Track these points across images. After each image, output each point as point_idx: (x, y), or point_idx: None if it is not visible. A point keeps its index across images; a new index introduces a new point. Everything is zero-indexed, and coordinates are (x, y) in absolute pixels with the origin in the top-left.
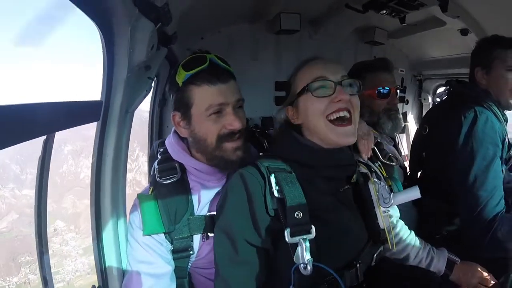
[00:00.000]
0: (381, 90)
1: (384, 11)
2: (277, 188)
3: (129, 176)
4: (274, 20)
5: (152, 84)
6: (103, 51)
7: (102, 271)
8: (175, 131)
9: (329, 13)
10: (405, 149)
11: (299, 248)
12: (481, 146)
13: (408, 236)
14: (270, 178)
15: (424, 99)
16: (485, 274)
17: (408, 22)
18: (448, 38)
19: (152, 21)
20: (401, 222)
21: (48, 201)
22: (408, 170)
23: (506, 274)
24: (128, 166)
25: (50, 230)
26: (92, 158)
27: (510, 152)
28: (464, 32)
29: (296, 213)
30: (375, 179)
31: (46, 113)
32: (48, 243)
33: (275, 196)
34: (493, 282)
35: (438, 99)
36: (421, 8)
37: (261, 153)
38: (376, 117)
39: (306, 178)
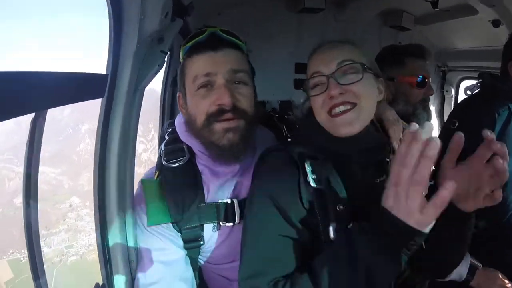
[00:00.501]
0: (421, 79)
1: None
2: (313, 176)
3: (144, 156)
4: None
5: (165, 59)
6: (109, 17)
7: (107, 267)
8: None
9: None
10: None
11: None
12: None
13: None
14: (305, 166)
15: (447, 91)
16: (506, 282)
17: (440, 7)
18: (477, 28)
19: None
20: None
21: (65, 178)
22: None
23: None
24: (144, 146)
25: (66, 206)
26: (96, 141)
27: None
28: (496, 23)
29: (339, 206)
30: None
31: (36, 86)
32: (64, 219)
33: (311, 186)
34: None
35: (468, 92)
36: None
37: (289, 139)
38: (412, 108)
39: (339, 168)
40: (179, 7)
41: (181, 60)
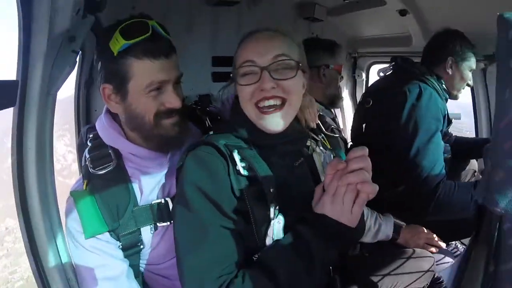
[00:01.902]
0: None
1: None
2: (243, 165)
3: (74, 166)
4: None
5: (77, 59)
6: (18, 17)
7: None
8: (106, 112)
9: None
10: (340, 123)
11: (276, 225)
12: (424, 120)
13: None
14: (233, 155)
15: (358, 75)
16: (431, 234)
17: None
18: (385, 17)
19: None
20: None
21: None
22: (348, 143)
23: None
24: (73, 156)
25: (1, 229)
26: (12, 154)
27: (448, 127)
28: (402, 12)
29: (271, 189)
30: (321, 148)
31: None
32: (2, 243)
33: (242, 175)
34: (438, 241)
35: (382, 74)
36: None
37: (210, 132)
38: (338, 91)
39: (263, 156)
40: (90, 3)
41: (114, 51)
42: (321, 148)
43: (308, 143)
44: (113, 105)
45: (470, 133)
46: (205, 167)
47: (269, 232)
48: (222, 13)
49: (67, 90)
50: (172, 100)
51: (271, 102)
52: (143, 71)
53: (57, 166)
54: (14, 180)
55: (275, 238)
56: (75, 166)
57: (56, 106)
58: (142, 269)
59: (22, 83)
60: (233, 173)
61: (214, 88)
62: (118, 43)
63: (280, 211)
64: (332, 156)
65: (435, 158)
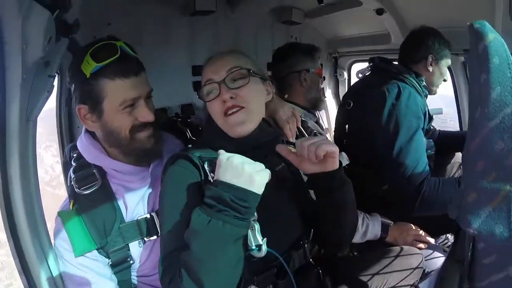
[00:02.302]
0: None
1: None
2: (212, 175)
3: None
4: (188, 1)
5: (55, 82)
6: None
7: None
8: (86, 131)
9: None
10: (325, 123)
11: (249, 231)
12: (404, 119)
13: None
14: (204, 167)
15: (340, 75)
16: (419, 231)
17: (326, 2)
18: (363, 17)
19: (47, 8)
20: None
21: None
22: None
23: None
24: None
25: None
26: None
27: (430, 124)
28: (379, 12)
29: None
30: (294, 150)
31: None
32: None
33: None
34: (426, 237)
35: (360, 75)
36: None
37: (189, 145)
38: (320, 94)
39: None
40: (63, 27)
41: (86, 73)
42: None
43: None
44: (89, 124)
45: (454, 122)
46: (181, 182)
47: (248, 237)
48: (199, 22)
49: (51, 102)
50: (145, 115)
51: (233, 110)
52: (116, 90)
53: (45, 177)
54: (2, 211)
55: (253, 243)
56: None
57: (41, 117)
58: (135, 281)
59: (1, 115)
60: (205, 183)
61: (196, 97)
62: (89, 66)
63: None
64: None
65: (418, 156)
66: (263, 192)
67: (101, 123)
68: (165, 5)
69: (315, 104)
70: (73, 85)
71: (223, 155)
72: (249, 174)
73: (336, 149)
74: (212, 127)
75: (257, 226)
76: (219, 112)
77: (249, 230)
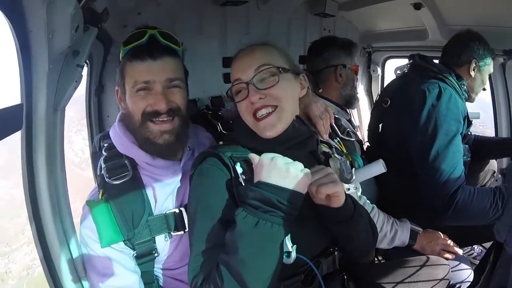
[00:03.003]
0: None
1: None
2: (244, 177)
3: None
4: None
5: (84, 72)
6: (15, 43)
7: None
8: (120, 121)
9: None
10: (356, 120)
11: None
12: (444, 122)
13: (372, 211)
14: (236, 168)
15: (373, 70)
16: (447, 241)
17: None
18: (399, 11)
19: None
20: (364, 198)
21: (16, 190)
22: (364, 142)
23: None
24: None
25: (22, 219)
26: (22, 173)
27: (468, 129)
28: (417, 6)
29: None
30: (336, 155)
31: None
32: (23, 232)
33: (242, 185)
34: (454, 247)
35: (399, 72)
36: None
37: (220, 142)
38: (355, 91)
39: None
40: (92, 16)
41: (120, 58)
42: (336, 155)
43: (326, 149)
44: (122, 105)
45: (483, 127)
46: (212, 181)
47: None
48: (231, 13)
49: (83, 87)
50: (156, 102)
51: (264, 111)
52: (131, 72)
53: (75, 159)
54: (27, 202)
55: (283, 250)
56: None
57: (73, 101)
58: (158, 274)
59: (27, 105)
60: (236, 184)
61: (226, 89)
62: (121, 51)
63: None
64: (348, 162)
65: (455, 162)
66: None
67: (125, 105)
68: None
69: (349, 101)
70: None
71: (265, 156)
72: (294, 175)
73: (339, 189)
74: (241, 126)
75: None
76: (249, 112)
77: None
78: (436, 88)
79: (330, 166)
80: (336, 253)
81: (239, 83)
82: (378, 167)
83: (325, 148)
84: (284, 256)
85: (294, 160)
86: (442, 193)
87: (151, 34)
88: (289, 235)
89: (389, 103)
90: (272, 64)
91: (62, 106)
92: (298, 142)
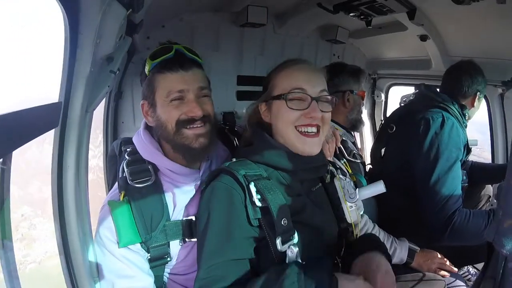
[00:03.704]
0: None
1: (353, 14)
2: (258, 197)
3: (92, 162)
4: (240, 12)
5: (115, 79)
6: (65, 42)
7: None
8: (145, 129)
9: (297, 9)
10: (359, 143)
11: (289, 254)
12: (446, 149)
13: (372, 229)
14: (250, 187)
15: (377, 96)
16: (443, 260)
17: (372, 24)
18: (406, 41)
19: (124, 7)
20: (366, 217)
21: (14, 187)
22: (366, 164)
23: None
24: (92, 153)
25: (17, 215)
26: (52, 170)
27: (468, 156)
28: (423, 38)
29: (283, 220)
30: (340, 176)
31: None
32: (17, 229)
33: (256, 206)
34: (450, 266)
35: (405, 100)
36: (389, 14)
37: (233, 159)
38: (360, 115)
39: (282, 182)
40: (130, 26)
41: (147, 72)
42: (341, 176)
43: (331, 168)
44: (149, 119)
45: (480, 150)
46: (223, 199)
47: (287, 260)
48: (248, 34)
49: None
50: (192, 109)
51: (313, 129)
52: (164, 83)
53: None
54: (53, 198)
55: None
56: (93, 162)
57: None
58: (167, 279)
59: (64, 104)
60: (249, 204)
61: (238, 106)
62: (148, 65)
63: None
64: (352, 183)
65: (454, 186)
66: (302, 212)
67: (155, 117)
68: (219, 14)
69: (355, 125)
70: (142, 85)
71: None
72: None
73: None
74: (263, 140)
75: (296, 250)
76: (293, 122)
77: (289, 253)
78: (439, 117)
79: (335, 186)
80: (340, 265)
81: (303, 93)
82: (379, 187)
83: (330, 167)
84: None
85: (304, 182)
86: (440, 215)
87: (177, 49)
88: (298, 253)
89: (394, 129)
90: (328, 93)
91: (92, 109)
92: (315, 166)
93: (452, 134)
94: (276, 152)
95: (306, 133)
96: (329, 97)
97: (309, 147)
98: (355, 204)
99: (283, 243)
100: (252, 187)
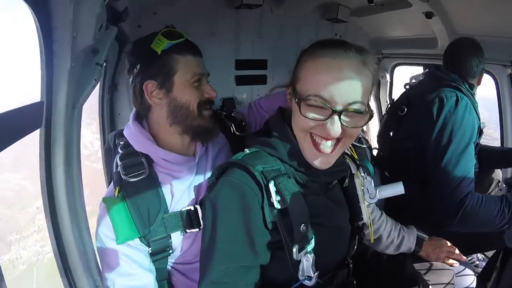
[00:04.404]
0: None
1: None
2: (278, 198)
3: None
4: None
5: (102, 71)
6: (39, 39)
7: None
8: (134, 120)
9: None
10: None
11: (305, 262)
12: (460, 129)
13: (380, 217)
14: (269, 187)
15: (382, 77)
16: (452, 248)
17: (375, 1)
18: (410, 19)
19: None
20: (373, 205)
21: (28, 182)
22: (372, 148)
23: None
24: (99, 143)
25: (33, 209)
26: (40, 170)
27: (479, 138)
28: (428, 15)
29: (302, 226)
30: (362, 174)
31: None
32: (34, 221)
33: (275, 208)
34: (458, 254)
35: (414, 81)
36: None
37: (246, 150)
38: None
39: (298, 181)
40: (113, 15)
41: (158, 51)
42: (363, 174)
43: (351, 163)
44: (155, 101)
45: (486, 128)
46: (238, 198)
47: (300, 266)
48: (244, 16)
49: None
50: (210, 91)
51: (330, 143)
52: (187, 65)
53: (85, 152)
54: (43, 198)
55: (305, 274)
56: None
57: None
58: (171, 270)
59: (47, 103)
60: (266, 205)
61: (238, 91)
62: (162, 44)
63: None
64: (372, 182)
65: (467, 169)
66: (319, 214)
67: (168, 99)
68: None
69: None
70: (138, 65)
71: None
72: None
73: None
74: (285, 135)
75: (311, 257)
76: (308, 129)
77: (304, 261)
78: (453, 96)
79: (354, 184)
80: (351, 265)
81: (324, 103)
82: (399, 188)
83: (351, 163)
84: (305, 279)
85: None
86: (452, 198)
87: (185, 38)
88: (313, 261)
89: (405, 110)
90: (364, 104)
91: (80, 104)
92: (334, 171)
93: (466, 114)
94: (295, 153)
95: (321, 146)
96: (361, 110)
97: (319, 163)
98: (373, 203)
99: (299, 251)
100: (272, 187)
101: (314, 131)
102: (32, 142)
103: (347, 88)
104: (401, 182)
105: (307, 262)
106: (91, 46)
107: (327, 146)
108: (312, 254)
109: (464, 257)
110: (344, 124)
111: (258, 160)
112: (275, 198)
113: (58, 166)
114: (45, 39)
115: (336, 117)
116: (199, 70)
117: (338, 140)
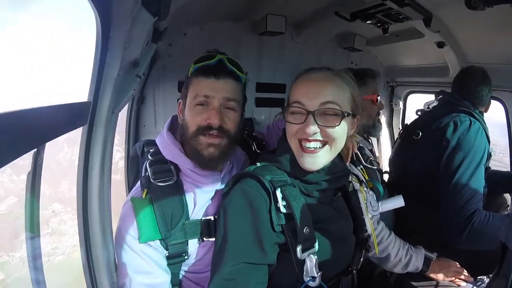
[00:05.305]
0: (378, 96)
1: (370, 21)
2: (283, 203)
3: (120, 163)
4: (260, 21)
5: (139, 83)
6: (96, 45)
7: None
8: (168, 131)
9: (314, 17)
10: (376, 151)
11: (308, 262)
12: (472, 149)
13: (388, 236)
14: (276, 193)
15: (395, 104)
16: (460, 268)
17: (389, 32)
18: (423, 48)
19: (152, 14)
20: (382, 224)
21: (45, 186)
22: (383, 172)
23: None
24: (120, 155)
25: (48, 212)
26: (78, 167)
27: (489, 161)
28: (440, 45)
29: (305, 229)
30: (365, 189)
31: (34, 122)
32: (48, 224)
33: (281, 212)
34: (466, 275)
35: (428, 107)
36: (405, 21)
37: (257, 163)
38: (372, 121)
39: (304, 192)
40: (154, 33)
41: (189, 74)
42: (365, 189)
43: (355, 181)
44: (180, 117)
45: (502, 155)
46: (249, 202)
47: (304, 267)
48: (267, 42)
49: None
50: (210, 116)
51: (312, 144)
52: (194, 85)
53: None
54: (78, 194)
55: (309, 275)
56: (122, 163)
57: None
58: (183, 277)
59: (93, 104)
60: (274, 210)
61: (257, 112)
62: (192, 67)
63: (313, 247)
64: (374, 196)
65: (476, 188)
66: (323, 221)
67: (183, 117)
68: (238, 23)
69: (367, 131)
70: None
71: None
72: None
73: None
74: (285, 149)
75: (315, 259)
76: (296, 137)
77: (308, 261)
78: (467, 120)
79: (358, 197)
80: (355, 271)
81: (300, 108)
82: (399, 201)
83: (355, 182)
84: (309, 280)
85: (326, 191)
86: (461, 213)
87: (220, 58)
88: (317, 262)
89: (420, 135)
90: (339, 105)
91: (118, 111)
92: (335, 177)
93: (478, 137)
94: (297, 164)
95: (307, 148)
96: (335, 108)
97: (307, 162)
98: (375, 215)
99: (303, 251)
100: (278, 193)
101: (298, 135)
102: (53, 148)
103: (317, 91)
104: (401, 195)
105: (310, 262)
106: (135, 59)
107: (310, 146)
108: (315, 256)
109: (471, 278)
110: (319, 123)
111: (268, 172)
112: (281, 203)
113: (95, 165)
114: (102, 46)
115: (311, 117)
116: (205, 91)
117: (324, 143)
